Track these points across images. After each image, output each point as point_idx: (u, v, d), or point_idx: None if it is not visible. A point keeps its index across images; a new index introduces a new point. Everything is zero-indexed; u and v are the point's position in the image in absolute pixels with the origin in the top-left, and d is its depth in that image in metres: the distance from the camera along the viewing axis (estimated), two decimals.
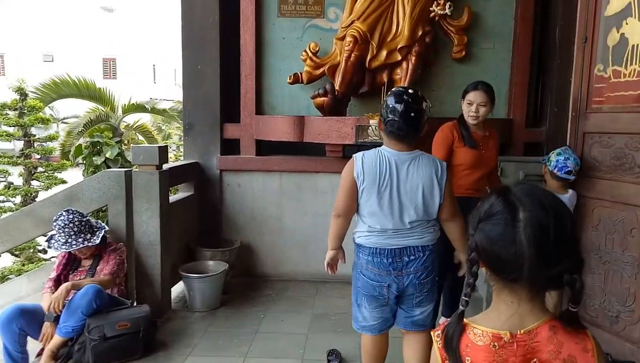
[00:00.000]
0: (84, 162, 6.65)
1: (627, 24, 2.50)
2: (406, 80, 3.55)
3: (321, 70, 3.68)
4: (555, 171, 2.65)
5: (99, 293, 2.53)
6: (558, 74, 3.48)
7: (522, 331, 0.92)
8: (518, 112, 3.67)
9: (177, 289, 3.48)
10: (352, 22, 3.54)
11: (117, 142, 6.92)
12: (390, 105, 1.84)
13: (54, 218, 2.69)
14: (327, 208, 3.76)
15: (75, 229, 2.67)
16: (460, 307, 0.98)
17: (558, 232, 0.87)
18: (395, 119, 1.82)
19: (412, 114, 1.82)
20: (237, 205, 3.90)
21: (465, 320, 0.97)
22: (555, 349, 0.90)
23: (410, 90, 1.87)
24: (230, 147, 3.95)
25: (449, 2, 3.37)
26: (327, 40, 3.77)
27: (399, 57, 3.54)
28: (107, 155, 6.51)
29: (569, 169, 2.61)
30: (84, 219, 2.73)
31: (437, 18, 3.49)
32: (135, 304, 2.88)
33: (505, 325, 0.93)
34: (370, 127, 3.09)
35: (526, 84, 3.66)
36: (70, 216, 2.67)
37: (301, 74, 3.71)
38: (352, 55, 3.53)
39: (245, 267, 3.85)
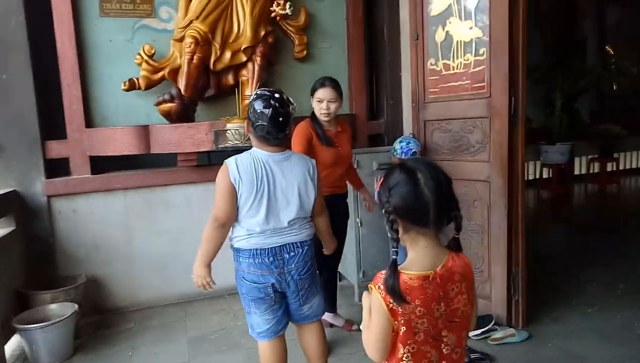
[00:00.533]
0: None
1: (450, 22, 2.85)
2: (254, 81, 3.49)
3: (161, 74, 3.39)
4: (403, 157, 2.88)
5: None
6: (390, 70, 3.82)
7: (440, 267, 1.21)
8: (359, 106, 3.91)
9: (11, 346, 2.85)
10: (191, 22, 3.33)
11: None
12: (259, 110, 1.86)
13: None
14: (183, 223, 3.54)
15: None
16: (392, 257, 1.18)
17: (446, 182, 1.20)
18: (265, 123, 1.84)
19: (281, 119, 1.85)
20: (74, 235, 3.35)
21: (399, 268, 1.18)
22: (458, 271, 1.23)
23: (276, 95, 1.88)
24: (56, 168, 3.37)
25: (289, 2, 3.41)
26: (161, 42, 3.48)
27: (244, 58, 3.46)
28: None
29: (413, 150, 2.89)
30: None
31: (278, 18, 3.50)
32: None
33: (427, 266, 1.20)
34: (229, 131, 2.95)
35: (363, 80, 3.92)
36: None
37: (137, 79, 3.35)
38: (195, 57, 3.32)
39: (94, 303, 3.34)
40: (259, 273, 1.89)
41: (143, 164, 3.57)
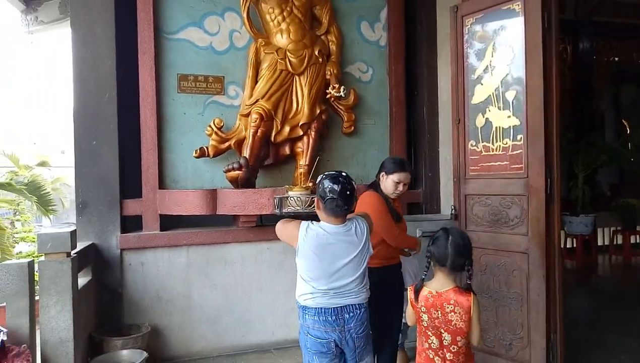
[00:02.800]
0: None
1: (489, 111, 3.25)
2: (308, 152, 3.90)
3: (227, 144, 3.82)
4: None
5: None
6: (429, 145, 4.22)
7: (441, 290, 2.06)
8: None
9: None
10: (257, 101, 3.80)
11: None
12: (329, 187, 2.17)
13: None
14: (237, 279, 3.85)
15: None
16: (422, 276, 2.15)
17: (463, 245, 2.09)
18: (335, 197, 2.14)
19: (348, 193, 2.17)
20: (140, 286, 3.67)
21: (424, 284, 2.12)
22: (453, 299, 2.01)
23: (343, 173, 2.24)
24: (130, 224, 3.75)
25: (342, 86, 3.87)
26: (228, 116, 3.94)
27: (301, 133, 3.89)
28: None
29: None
30: None
31: (332, 99, 3.95)
32: None
33: (435, 287, 2.08)
34: (291, 198, 3.31)
35: (404, 153, 4.30)
36: None
37: (207, 148, 3.78)
38: (259, 130, 3.76)
39: (152, 350, 3.58)
40: (324, 329, 2.15)
41: (200, 223, 3.92)
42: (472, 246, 2.15)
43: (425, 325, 2.10)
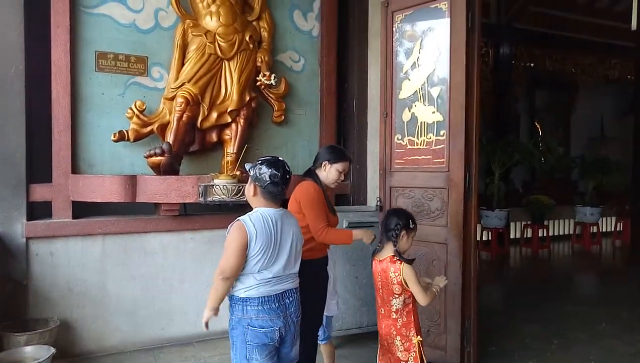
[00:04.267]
0: None
1: (415, 106, 3.34)
2: (236, 140, 3.81)
3: (149, 128, 3.63)
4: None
5: None
6: (358, 138, 4.28)
7: (382, 258, 2.40)
8: None
9: None
10: (183, 84, 3.63)
11: None
12: (269, 172, 2.15)
13: None
14: (157, 269, 3.70)
15: None
16: (375, 248, 2.53)
17: (393, 215, 2.43)
18: (277, 181, 2.13)
19: (288, 176, 2.19)
20: (48, 278, 3.40)
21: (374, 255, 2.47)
22: (389, 265, 2.34)
23: (280, 158, 2.23)
24: (38, 211, 3.46)
25: (273, 74, 3.80)
26: (151, 98, 3.74)
27: (229, 119, 3.78)
28: None
29: None
30: None
31: (262, 87, 3.88)
32: None
33: (379, 256, 2.43)
34: (217, 186, 3.21)
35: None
36: None
37: (127, 131, 3.57)
38: (184, 115, 3.61)
39: (62, 346, 3.33)
40: (268, 318, 2.11)
41: (119, 210, 3.71)
42: (405, 219, 2.39)
43: (375, 286, 2.47)
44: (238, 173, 3.52)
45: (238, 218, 2.12)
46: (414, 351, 2.34)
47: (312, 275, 2.56)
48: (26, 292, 3.33)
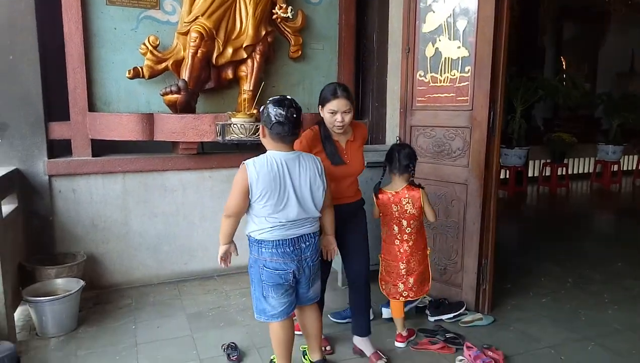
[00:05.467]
0: None
1: (440, 40, 3.18)
2: (252, 77, 3.71)
3: (164, 65, 3.54)
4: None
5: None
6: (377, 75, 4.13)
7: (397, 191, 2.69)
8: None
9: (17, 316, 2.99)
10: (197, 18, 3.49)
11: None
12: (274, 111, 2.08)
13: None
14: (178, 207, 3.75)
15: None
16: (378, 182, 2.76)
17: (407, 152, 2.68)
18: (281, 120, 2.06)
19: (295, 116, 2.10)
20: (73, 214, 3.48)
21: (381, 188, 2.73)
22: (407, 195, 2.67)
23: (287, 97, 2.15)
24: (58, 149, 3.49)
25: (290, 7, 3.63)
26: (164, 33, 3.63)
27: (245, 55, 3.66)
28: None
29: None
30: None
31: (279, 20, 3.71)
32: None
33: (393, 189, 2.70)
34: (234, 125, 3.16)
35: (352, 81, 4.20)
36: None
37: (141, 68, 3.50)
38: (199, 51, 3.50)
39: (90, 279, 3.48)
40: (282, 261, 2.14)
41: (137, 148, 3.73)
42: (415, 154, 2.73)
43: (387, 218, 2.71)
44: (255, 111, 3.46)
45: (244, 161, 2.11)
46: (428, 259, 2.83)
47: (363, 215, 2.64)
48: (52, 228, 3.43)
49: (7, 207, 3.11)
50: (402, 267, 2.72)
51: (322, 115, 2.43)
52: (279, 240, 2.14)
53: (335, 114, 2.35)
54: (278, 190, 2.08)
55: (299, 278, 2.23)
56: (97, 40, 3.49)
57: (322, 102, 2.41)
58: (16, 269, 3.06)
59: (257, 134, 3.26)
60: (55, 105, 3.44)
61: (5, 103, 3.24)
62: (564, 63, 9.51)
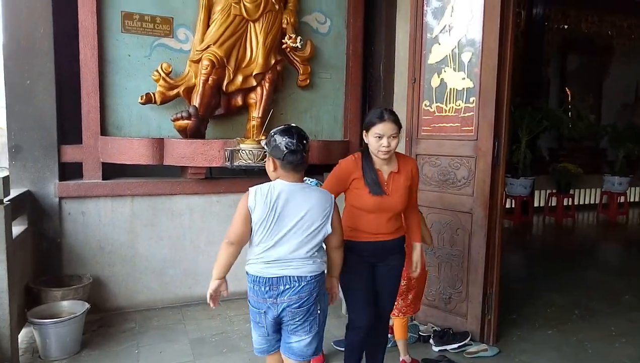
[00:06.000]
0: None
1: (445, 71, 3.25)
2: (261, 104, 3.79)
3: (175, 91, 3.63)
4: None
5: None
6: (384, 103, 4.20)
7: None
8: (353, 133, 4.26)
9: (20, 338, 3.00)
10: (208, 46, 3.60)
11: None
12: (284, 141, 1.96)
13: None
14: (185, 231, 3.78)
15: None
16: None
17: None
18: (294, 149, 1.94)
19: (305, 141, 1.99)
20: (81, 236, 3.52)
21: None
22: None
23: (292, 125, 2.06)
24: (69, 172, 3.55)
25: (299, 37, 3.73)
26: (177, 61, 3.73)
27: (254, 83, 3.75)
28: None
29: None
30: None
31: (288, 49, 3.82)
32: None
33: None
34: (243, 151, 3.22)
35: (359, 110, 4.28)
36: None
37: (153, 94, 3.59)
38: (210, 78, 3.59)
39: (95, 301, 3.49)
40: (256, 299, 2.00)
41: (146, 172, 3.78)
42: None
43: None
44: (263, 137, 3.53)
45: (251, 187, 2.00)
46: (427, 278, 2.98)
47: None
48: (60, 250, 3.46)
49: (17, 229, 3.15)
50: (403, 284, 2.67)
51: (366, 140, 2.29)
52: (256, 277, 1.99)
53: (381, 138, 2.20)
54: (270, 221, 1.94)
55: (280, 324, 2.04)
56: (112, 67, 3.59)
57: (367, 126, 2.26)
58: (23, 290, 3.08)
59: (264, 160, 3.31)
60: (68, 128, 3.52)
61: (20, 126, 3.33)
62: (568, 94, 9.59)
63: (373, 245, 2.29)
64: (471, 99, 3.10)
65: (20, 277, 3.03)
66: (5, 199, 2.70)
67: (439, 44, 3.28)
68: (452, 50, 3.20)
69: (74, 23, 3.40)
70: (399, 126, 2.24)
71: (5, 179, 2.64)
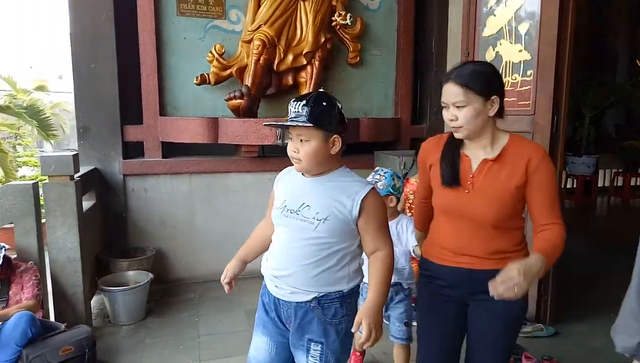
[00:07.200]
0: None
1: (500, 44, 3.13)
2: (311, 83, 3.82)
3: (228, 71, 3.73)
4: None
5: (33, 321, 2.30)
6: (436, 79, 4.11)
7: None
8: (404, 111, 4.22)
9: (93, 304, 3.25)
10: (260, 27, 3.66)
11: None
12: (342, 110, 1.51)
13: None
14: (240, 208, 3.90)
15: None
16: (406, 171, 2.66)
17: None
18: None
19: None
20: (144, 211, 3.73)
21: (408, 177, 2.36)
22: None
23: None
24: (132, 150, 3.76)
25: (349, 14, 3.71)
26: (229, 42, 3.82)
27: (305, 62, 3.78)
28: None
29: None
30: None
31: (337, 27, 3.81)
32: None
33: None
34: None
35: (409, 87, 4.22)
36: None
37: (208, 75, 3.70)
38: (261, 58, 3.66)
39: (158, 273, 3.70)
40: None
41: (200, 151, 3.92)
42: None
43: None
44: None
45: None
46: None
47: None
48: (125, 224, 3.69)
49: (87, 203, 3.39)
50: None
51: None
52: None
53: (447, 108, 1.52)
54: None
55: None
56: (169, 49, 3.74)
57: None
58: (93, 260, 3.33)
59: None
60: (129, 109, 3.71)
61: (87, 107, 3.55)
62: (639, 67, 8.95)
63: (451, 272, 1.58)
64: (528, 72, 2.98)
65: (91, 248, 3.26)
66: (76, 175, 2.92)
67: (494, 16, 3.16)
68: (509, 22, 3.08)
69: (131, 8, 3.55)
70: (470, 88, 1.45)
71: (75, 157, 2.84)
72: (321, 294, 1.50)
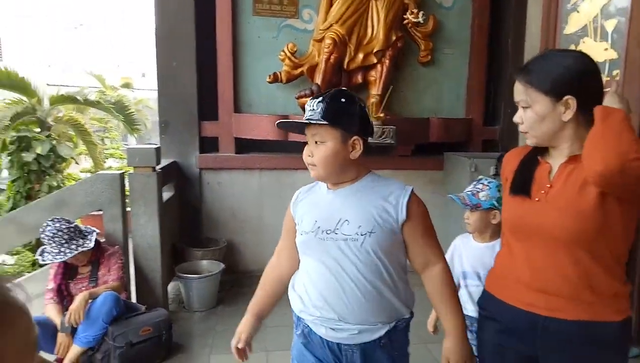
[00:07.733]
0: (11, 158, 6.11)
1: (584, 42, 2.98)
2: (381, 81, 3.82)
3: (300, 70, 3.82)
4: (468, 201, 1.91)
5: (118, 301, 2.50)
6: (511, 80, 3.97)
7: None
8: (476, 111, 4.11)
9: (169, 289, 3.47)
10: (331, 25, 3.71)
11: (46, 137, 6.41)
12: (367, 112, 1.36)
13: (41, 229, 2.55)
14: None
15: (66, 237, 2.56)
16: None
17: None
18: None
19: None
20: (217, 204, 3.93)
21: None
22: None
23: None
24: (207, 145, 3.96)
25: (421, 12, 3.68)
26: (301, 41, 3.90)
27: (375, 60, 3.79)
28: (38, 151, 6.05)
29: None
30: (72, 226, 2.60)
31: (409, 25, 3.78)
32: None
33: None
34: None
35: (483, 87, 4.11)
36: (57, 224, 2.54)
37: (280, 73, 3.81)
38: (332, 56, 3.71)
39: (229, 263, 3.87)
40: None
41: (273, 148, 4.05)
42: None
43: None
44: (382, 115, 3.58)
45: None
46: None
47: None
48: (200, 215, 3.90)
49: (166, 194, 3.62)
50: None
51: None
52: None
53: (518, 105, 1.32)
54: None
55: None
56: (244, 49, 3.89)
57: None
58: (171, 249, 3.55)
59: (382, 136, 3.37)
60: (206, 106, 3.90)
61: (168, 103, 3.78)
62: None
63: (518, 317, 1.24)
64: (614, 72, 2.81)
65: (169, 237, 3.48)
66: (157, 167, 3.13)
67: (578, 12, 3.01)
68: (594, 18, 2.92)
69: (209, 8, 3.72)
70: (532, 85, 1.23)
71: (157, 150, 3.05)
72: (392, 325, 1.28)
